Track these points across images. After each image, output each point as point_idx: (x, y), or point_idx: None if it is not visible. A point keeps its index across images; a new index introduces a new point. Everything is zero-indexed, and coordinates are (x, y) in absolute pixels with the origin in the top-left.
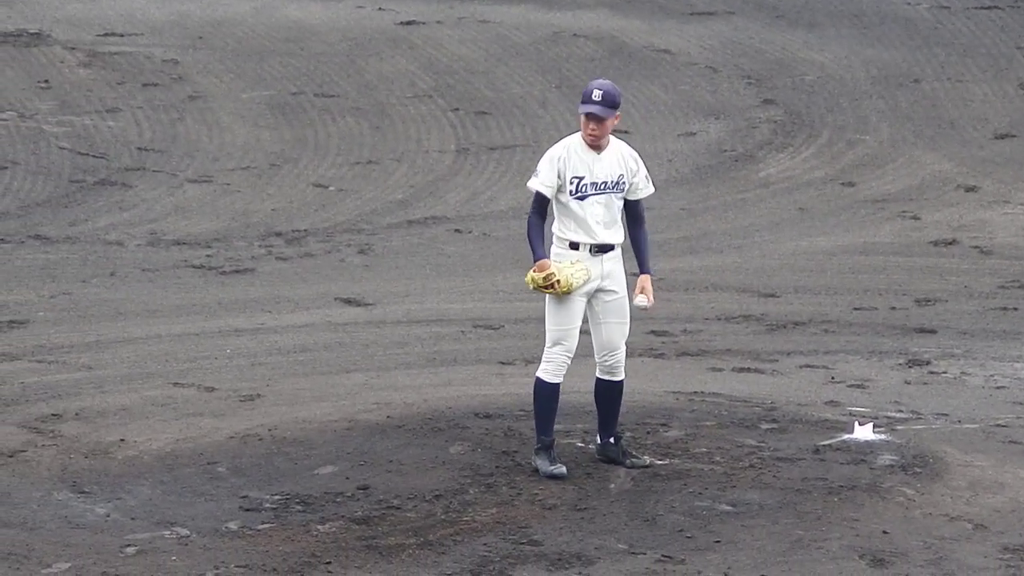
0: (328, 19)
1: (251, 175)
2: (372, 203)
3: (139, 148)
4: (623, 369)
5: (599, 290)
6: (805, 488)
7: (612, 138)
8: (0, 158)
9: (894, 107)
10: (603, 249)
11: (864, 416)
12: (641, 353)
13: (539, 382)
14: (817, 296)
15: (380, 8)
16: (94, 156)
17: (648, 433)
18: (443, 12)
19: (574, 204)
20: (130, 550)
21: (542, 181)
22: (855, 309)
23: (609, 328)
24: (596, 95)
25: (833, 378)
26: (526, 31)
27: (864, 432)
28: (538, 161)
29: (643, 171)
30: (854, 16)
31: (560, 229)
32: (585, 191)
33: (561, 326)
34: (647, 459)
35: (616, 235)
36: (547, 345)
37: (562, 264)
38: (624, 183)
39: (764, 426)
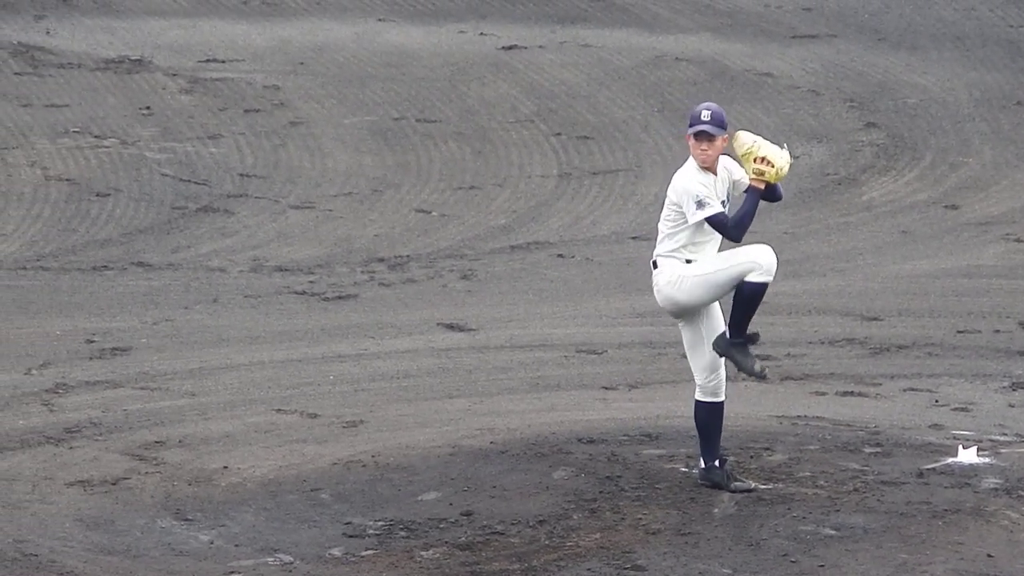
0: (429, 44)
1: (353, 201)
2: (474, 228)
3: (241, 174)
4: (724, 389)
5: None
6: (909, 512)
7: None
8: (103, 185)
9: (997, 129)
10: None
11: (968, 439)
12: (744, 377)
13: (764, 286)
14: (920, 319)
15: (482, 33)
16: (196, 183)
17: (752, 457)
18: (545, 36)
19: (706, 226)
20: None
21: (716, 206)
22: (959, 332)
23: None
24: (705, 115)
25: (937, 401)
26: (628, 55)
27: (968, 455)
28: (684, 193)
29: (740, 173)
30: (956, 39)
31: (676, 250)
32: None
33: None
34: (751, 483)
35: None
36: (700, 379)
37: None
38: (731, 194)
39: (868, 450)
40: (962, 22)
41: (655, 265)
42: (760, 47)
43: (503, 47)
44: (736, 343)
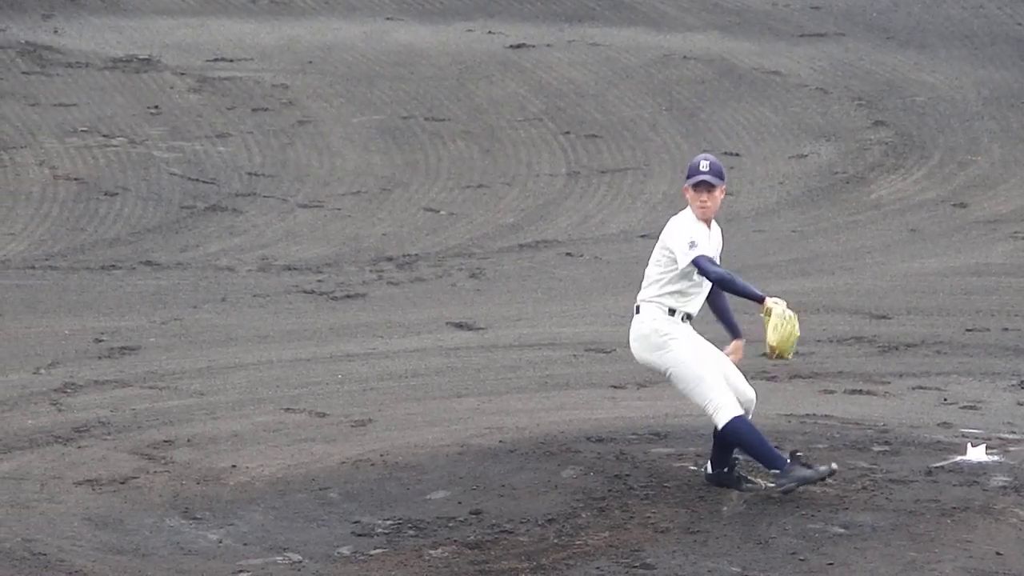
0: (438, 43)
1: (362, 200)
2: (483, 227)
3: (249, 173)
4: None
5: None
6: (918, 510)
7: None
8: (111, 184)
9: (1005, 128)
10: (691, 317)
11: (977, 437)
12: (753, 376)
13: (732, 423)
14: (929, 317)
15: (490, 31)
16: (204, 182)
17: None
18: (553, 35)
19: (696, 275)
20: None
21: (707, 249)
22: (967, 330)
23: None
24: (704, 166)
25: (945, 400)
26: (636, 54)
27: (977, 453)
28: (676, 236)
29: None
30: (965, 37)
31: (661, 296)
32: None
33: (707, 381)
34: (761, 482)
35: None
36: (710, 402)
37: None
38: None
39: (876, 448)
40: (970, 20)
41: (637, 311)
42: (768, 45)
43: (511, 46)
44: (723, 474)
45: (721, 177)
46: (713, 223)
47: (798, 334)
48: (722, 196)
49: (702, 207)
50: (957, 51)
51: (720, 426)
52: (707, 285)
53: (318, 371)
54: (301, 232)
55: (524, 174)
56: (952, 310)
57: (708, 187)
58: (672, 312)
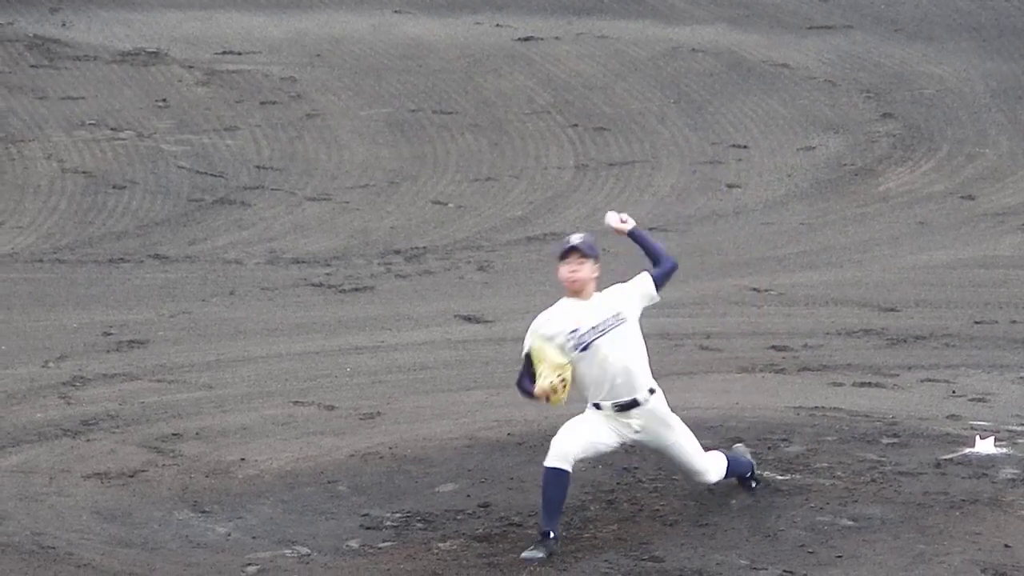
0: (446, 36)
1: (370, 193)
2: (491, 220)
3: (257, 166)
4: (713, 476)
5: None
6: (926, 502)
7: (595, 292)
8: (119, 177)
9: (1013, 120)
10: (624, 407)
11: (985, 430)
12: (762, 369)
13: (549, 469)
14: (938, 310)
15: (498, 24)
16: (212, 175)
17: (769, 448)
18: (561, 28)
19: (576, 356)
20: (251, 569)
21: (524, 349)
22: (976, 323)
23: (679, 463)
24: (575, 239)
25: (954, 392)
26: (644, 46)
27: (985, 446)
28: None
29: (633, 284)
30: (973, 29)
31: (585, 393)
32: (585, 339)
33: (564, 435)
34: (769, 476)
35: (641, 382)
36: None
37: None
38: (625, 313)
39: (885, 440)
40: (978, 12)
41: None
42: (776, 38)
43: (519, 38)
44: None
45: (593, 250)
46: (598, 294)
47: (551, 384)
48: (595, 273)
49: (571, 276)
50: (965, 43)
51: (544, 463)
52: (604, 358)
53: (326, 364)
54: (309, 225)
55: (532, 167)
56: (960, 302)
57: (579, 255)
58: (599, 407)
